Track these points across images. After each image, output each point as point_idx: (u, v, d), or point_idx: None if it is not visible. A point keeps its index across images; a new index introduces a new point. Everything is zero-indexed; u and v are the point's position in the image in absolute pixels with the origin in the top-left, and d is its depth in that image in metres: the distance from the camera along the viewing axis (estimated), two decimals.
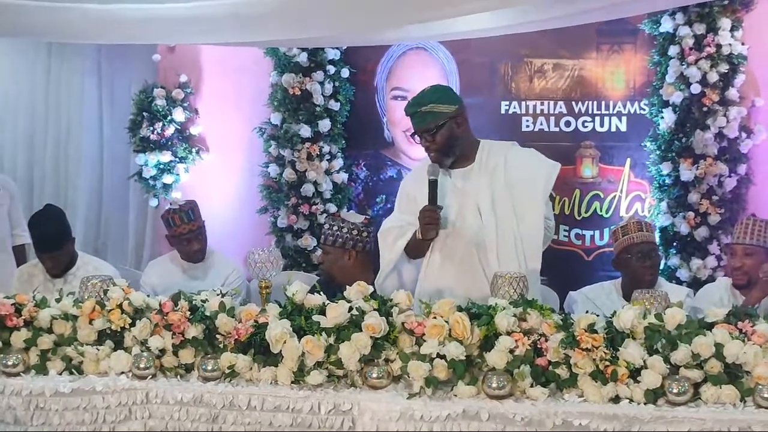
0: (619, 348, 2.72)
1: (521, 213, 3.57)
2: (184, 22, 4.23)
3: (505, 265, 3.44)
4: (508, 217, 3.55)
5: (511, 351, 2.76)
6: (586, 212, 5.76)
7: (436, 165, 3.54)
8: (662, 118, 5.49)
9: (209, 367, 2.95)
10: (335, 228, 4.08)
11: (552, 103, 5.81)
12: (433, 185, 3.48)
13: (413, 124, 3.63)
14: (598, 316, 2.85)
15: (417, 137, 3.65)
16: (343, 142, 5.99)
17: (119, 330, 3.08)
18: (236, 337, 2.95)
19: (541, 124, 5.81)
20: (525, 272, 3.32)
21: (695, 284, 5.12)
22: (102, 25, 4.23)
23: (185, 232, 4.62)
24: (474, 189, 3.59)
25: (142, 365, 2.97)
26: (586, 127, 5.78)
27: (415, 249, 3.67)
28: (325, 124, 5.83)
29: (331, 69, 5.88)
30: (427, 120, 3.56)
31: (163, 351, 3.02)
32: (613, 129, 5.76)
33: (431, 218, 3.47)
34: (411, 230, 3.61)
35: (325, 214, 5.80)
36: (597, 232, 5.78)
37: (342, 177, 5.95)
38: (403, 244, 3.64)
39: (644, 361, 2.69)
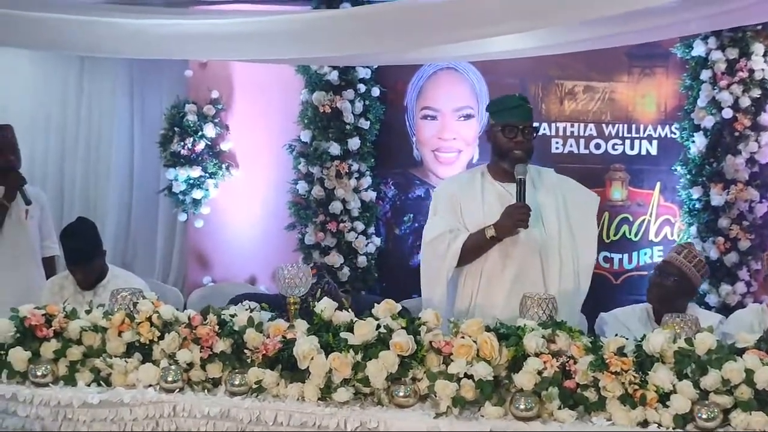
0: (649, 372, 2.70)
1: (577, 233, 3.68)
2: (217, 38, 4.26)
3: (565, 279, 3.60)
4: (568, 234, 3.66)
5: (540, 372, 2.75)
6: (615, 235, 5.73)
7: (524, 164, 3.58)
8: (693, 142, 5.46)
9: (236, 382, 2.96)
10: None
11: (582, 125, 5.79)
12: (522, 184, 3.53)
13: (515, 117, 3.65)
14: (627, 339, 2.84)
15: (506, 132, 3.65)
16: (372, 160, 5.98)
17: (148, 343, 3.09)
18: (264, 352, 2.95)
19: (571, 146, 5.80)
20: (578, 290, 3.57)
21: (724, 310, 5.08)
22: (134, 39, 4.26)
23: None
24: (535, 203, 3.63)
25: (169, 378, 2.99)
26: (616, 149, 5.76)
27: (471, 253, 3.64)
28: (354, 143, 5.84)
29: (362, 88, 5.87)
30: (531, 116, 3.69)
31: (191, 365, 3.03)
32: (644, 152, 5.73)
33: (525, 215, 3.51)
34: (464, 233, 3.63)
35: (352, 232, 5.83)
36: (626, 256, 5.74)
37: (370, 195, 5.95)
38: (460, 247, 3.61)
39: (674, 386, 2.67)
